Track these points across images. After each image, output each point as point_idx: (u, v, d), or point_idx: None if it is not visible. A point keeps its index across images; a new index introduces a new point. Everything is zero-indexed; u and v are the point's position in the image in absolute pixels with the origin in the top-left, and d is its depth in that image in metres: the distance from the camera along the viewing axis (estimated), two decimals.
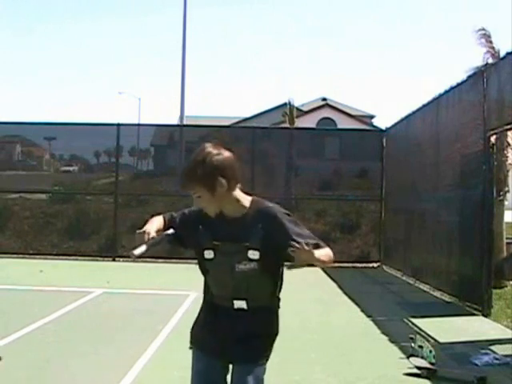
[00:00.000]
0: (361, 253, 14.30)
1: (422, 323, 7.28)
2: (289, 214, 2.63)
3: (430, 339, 6.28)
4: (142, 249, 2.57)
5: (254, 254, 2.54)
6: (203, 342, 2.74)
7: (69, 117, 73.80)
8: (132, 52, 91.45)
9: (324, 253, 2.49)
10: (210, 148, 2.56)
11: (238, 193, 2.61)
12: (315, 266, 2.56)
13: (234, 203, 2.59)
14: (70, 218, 14.68)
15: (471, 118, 8.45)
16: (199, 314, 2.82)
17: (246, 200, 2.63)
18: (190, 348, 2.81)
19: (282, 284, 2.71)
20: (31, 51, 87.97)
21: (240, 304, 2.62)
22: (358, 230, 14.64)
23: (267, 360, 2.73)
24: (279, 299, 2.73)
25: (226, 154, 2.57)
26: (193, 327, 2.83)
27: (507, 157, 10.38)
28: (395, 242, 13.00)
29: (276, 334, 2.73)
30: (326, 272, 12.49)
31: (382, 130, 14.94)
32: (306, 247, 2.33)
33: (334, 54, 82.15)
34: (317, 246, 2.50)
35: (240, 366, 2.66)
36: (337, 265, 15.36)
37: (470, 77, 8.66)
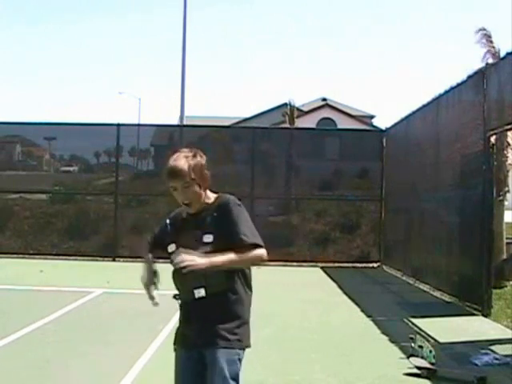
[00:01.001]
0: (361, 253, 14.30)
1: (422, 323, 7.29)
2: (239, 204, 2.83)
3: (429, 339, 6.28)
4: (153, 292, 2.94)
5: (208, 238, 2.74)
6: (181, 337, 2.89)
7: (69, 117, 73.86)
8: (132, 52, 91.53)
9: (228, 256, 2.66)
10: (193, 150, 2.88)
11: (207, 192, 2.90)
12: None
13: (201, 200, 2.85)
14: (70, 218, 14.69)
15: (471, 118, 8.45)
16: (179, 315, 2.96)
17: (212, 197, 2.90)
18: (174, 350, 2.92)
19: (244, 271, 2.85)
20: (31, 51, 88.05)
21: (199, 293, 2.73)
22: (358, 230, 14.64)
23: (242, 348, 2.81)
24: (243, 285, 2.83)
25: (204, 157, 2.89)
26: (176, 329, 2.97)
27: (507, 157, 10.38)
28: (395, 242, 13.01)
29: (241, 318, 2.81)
30: (326, 272, 12.50)
31: (381, 130, 14.95)
32: (184, 256, 2.61)
33: (334, 54, 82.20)
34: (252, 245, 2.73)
35: (211, 352, 2.75)
36: (337, 265, 15.42)
37: (470, 77, 8.66)
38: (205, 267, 2.62)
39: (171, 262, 2.74)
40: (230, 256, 2.67)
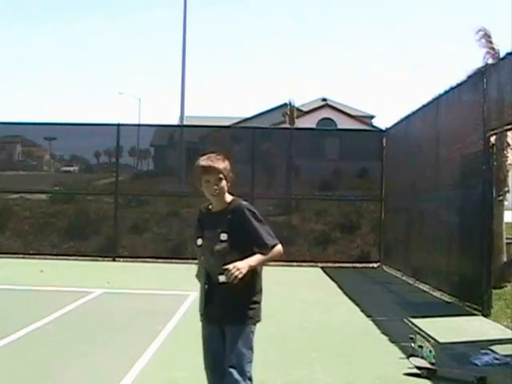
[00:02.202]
0: (361, 253, 14.30)
1: (422, 323, 7.28)
2: (254, 212, 3.42)
3: (429, 339, 6.27)
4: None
5: (223, 236, 3.35)
6: (206, 313, 3.48)
7: (69, 117, 73.79)
8: (132, 52, 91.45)
9: (255, 259, 3.31)
10: (223, 155, 3.50)
11: (227, 194, 3.48)
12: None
13: (222, 200, 3.43)
14: (70, 218, 14.69)
15: (471, 119, 8.45)
16: (200, 293, 3.52)
17: (229, 198, 3.47)
18: (201, 320, 3.53)
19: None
20: (31, 51, 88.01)
21: (222, 278, 3.29)
22: (358, 230, 14.64)
23: (254, 323, 3.44)
24: (253, 272, 3.36)
25: None
26: (200, 304, 3.53)
27: (507, 157, 10.38)
28: (395, 242, 13.01)
29: (254, 299, 3.44)
30: (325, 272, 12.50)
31: (381, 131, 14.95)
32: (233, 269, 3.19)
33: (334, 54, 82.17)
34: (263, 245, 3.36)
35: (231, 328, 3.39)
36: (337, 265, 15.41)
37: (470, 77, 8.66)
38: (246, 271, 3.22)
39: (200, 254, 3.44)
40: (259, 257, 3.33)
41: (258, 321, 3.48)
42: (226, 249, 3.33)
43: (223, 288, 3.32)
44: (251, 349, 3.41)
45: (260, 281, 3.50)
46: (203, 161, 3.42)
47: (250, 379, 3.38)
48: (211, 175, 3.36)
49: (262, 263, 3.39)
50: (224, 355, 3.37)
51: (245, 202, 3.45)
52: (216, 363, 3.42)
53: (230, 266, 3.20)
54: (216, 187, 3.36)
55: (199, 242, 3.47)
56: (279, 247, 3.39)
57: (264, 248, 3.35)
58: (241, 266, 3.21)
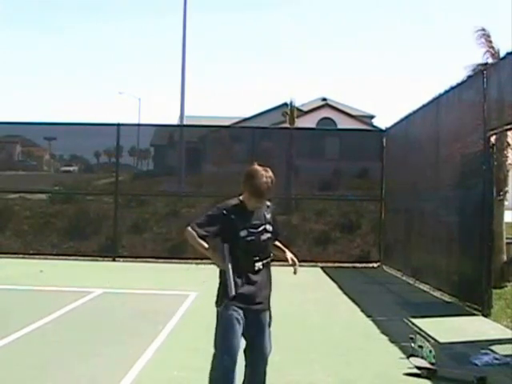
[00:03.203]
0: (361, 253, 14.29)
1: (422, 323, 7.29)
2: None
3: (429, 339, 6.27)
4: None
5: (269, 228, 3.93)
6: (245, 297, 3.80)
7: (69, 117, 73.75)
8: (132, 52, 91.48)
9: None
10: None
11: None
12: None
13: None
14: (70, 218, 14.67)
15: (471, 118, 8.44)
16: (222, 285, 3.86)
17: None
18: (219, 306, 3.85)
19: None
20: (31, 51, 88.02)
21: (259, 265, 3.84)
22: (358, 230, 14.63)
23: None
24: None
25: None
26: (223, 294, 3.83)
27: (507, 157, 10.39)
28: (395, 242, 13.00)
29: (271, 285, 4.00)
30: (326, 272, 12.50)
31: (381, 130, 14.94)
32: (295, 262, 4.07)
33: (334, 53, 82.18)
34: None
35: (265, 313, 3.90)
36: (337, 265, 15.34)
37: (470, 77, 8.66)
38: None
39: (244, 244, 3.82)
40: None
41: None
42: (269, 239, 3.92)
43: (260, 274, 3.84)
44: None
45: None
46: (265, 184, 3.87)
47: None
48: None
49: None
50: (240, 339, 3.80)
51: (269, 202, 4.06)
52: (238, 347, 3.77)
53: (295, 259, 4.03)
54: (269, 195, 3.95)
55: (243, 233, 3.84)
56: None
57: (279, 239, 4.10)
58: (293, 256, 4.04)
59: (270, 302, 3.93)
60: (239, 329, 3.78)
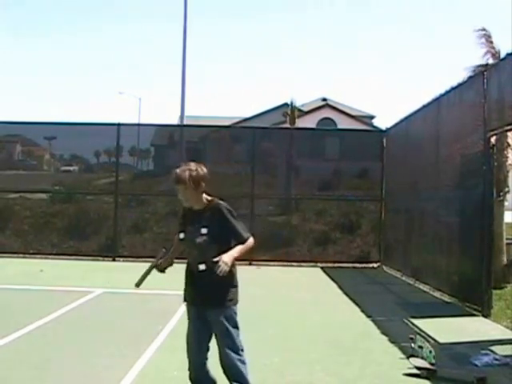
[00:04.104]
0: (361, 253, 14.29)
1: (422, 323, 7.29)
2: (230, 210, 3.98)
3: (429, 339, 6.27)
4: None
5: (203, 231, 3.88)
6: (189, 297, 4.05)
7: (69, 116, 73.77)
8: (133, 52, 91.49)
9: (236, 250, 3.87)
10: (196, 165, 4.00)
11: (203, 195, 4.01)
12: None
13: (200, 201, 3.98)
14: (70, 218, 14.68)
15: (471, 119, 8.44)
16: (185, 279, 4.08)
17: (207, 199, 4.01)
18: (185, 305, 4.12)
19: (230, 249, 3.88)
20: (31, 51, 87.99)
21: (202, 267, 3.90)
22: (358, 230, 14.63)
23: (234, 304, 3.96)
24: (233, 262, 3.88)
25: (205, 170, 3.99)
26: (184, 289, 4.09)
27: (507, 157, 10.39)
28: (395, 243, 13.00)
29: (231, 284, 3.96)
30: (325, 272, 12.50)
31: (382, 131, 14.94)
32: (222, 263, 3.71)
33: (335, 53, 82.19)
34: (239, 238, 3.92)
35: (213, 310, 3.93)
36: (337, 265, 15.32)
37: (470, 77, 8.66)
38: (231, 263, 3.78)
39: (184, 246, 4.08)
40: (238, 249, 3.88)
41: (237, 302, 4.00)
42: (205, 241, 3.87)
43: (203, 275, 3.90)
44: (237, 327, 3.96)
45: (235, 268, 3.99)
46: (174, 172, 3.91)
47: (243, 350, 3.97)
48: (179, 185, 3.89)
49: (241, 254, 3.90)
50: (205, 334, 4.00)
51: (222, 202, 4.01)
52: (199, 341, 4.01)
53: (220, 262, 3.71)
54: (185, 197, 3.93)
55: (181, 235, 4.03)
56: (252, 239, 3.97)
57: (241, 241, 3.92)
58: (227, 260, 3.75)
59: (220, 300, 3.90)
60: (197, 324, 4.02)
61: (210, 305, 3.93)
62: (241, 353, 3.95)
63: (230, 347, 3.90)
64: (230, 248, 3.88)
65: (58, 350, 5.86)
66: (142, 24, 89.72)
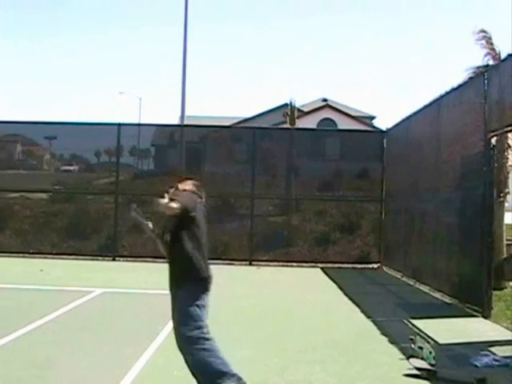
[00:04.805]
0: (361, 253, 14.29)
1: (422, 324, 7.29)
2: None
3: (429, 340, 6.28)
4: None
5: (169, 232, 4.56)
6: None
7: (69, 116, 73.72)
8: (133, 51, 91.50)
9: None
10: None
11: None
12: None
13: None
14: (70, 218, 14.69)
15: (472, 120, 8.45)
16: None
17: None
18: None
19: (193, 232, 4.59)
20: (32, 51, 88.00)
21: (168, 237, 4.61)
22: (358, 231, 14.64)
23: (194, 299, 4.34)
24: (191, 240, 4.53)
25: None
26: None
27: (508, 158, 10.39)
28: (395, 243, 13.00)
29: (193, 279, 4.44)
30: (325, 272, 12.51)
31: (382, 131, 14.95)
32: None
33: (335, 54, 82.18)
34: None
35: (174, 299, 4.51)
36: (337, 265, 15.31)
37: (470, 78, 8.66)
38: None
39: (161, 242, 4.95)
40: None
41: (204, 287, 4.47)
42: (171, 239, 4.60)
43: (170, 250, 4.69)
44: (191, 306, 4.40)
45: (202, 251, 4.57)
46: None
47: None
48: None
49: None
50: None
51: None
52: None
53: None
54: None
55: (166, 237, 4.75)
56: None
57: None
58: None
59: (176, 286, 4.55)
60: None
61: (174, 293, 4.68)
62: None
63: (176, 323, 4.53)
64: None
65: (58, 349, 5.86)
66: (143, 24, 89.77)
